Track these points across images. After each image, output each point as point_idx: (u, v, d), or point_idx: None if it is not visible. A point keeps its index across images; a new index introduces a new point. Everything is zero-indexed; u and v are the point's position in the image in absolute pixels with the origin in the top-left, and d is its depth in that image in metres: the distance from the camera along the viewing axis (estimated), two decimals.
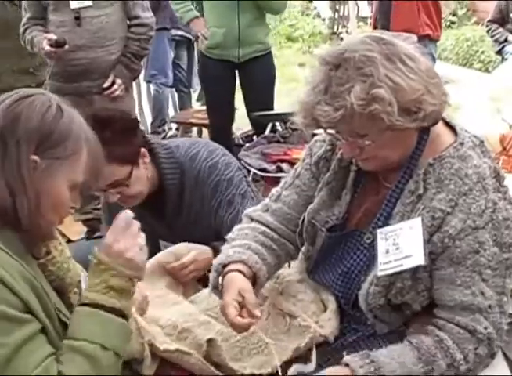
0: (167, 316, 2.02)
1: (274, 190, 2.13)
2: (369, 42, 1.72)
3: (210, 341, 1.90)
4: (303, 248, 2.10)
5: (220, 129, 4.95)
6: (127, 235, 1.55)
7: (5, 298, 1.39)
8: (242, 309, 1.78)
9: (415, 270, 1.77)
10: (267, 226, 2.05)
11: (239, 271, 1.87)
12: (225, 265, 1.90)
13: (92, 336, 1.46)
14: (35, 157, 1.47)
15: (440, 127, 1.85)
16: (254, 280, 1.91)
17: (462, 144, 1.81)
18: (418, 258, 1.74)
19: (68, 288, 1.64)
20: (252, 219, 2.10)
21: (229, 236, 2.06)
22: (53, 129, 1.49)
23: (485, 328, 1.71)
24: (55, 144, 1.49)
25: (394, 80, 1.67)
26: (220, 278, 1.89)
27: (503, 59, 6.31)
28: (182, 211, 2.57)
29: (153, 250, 2.57)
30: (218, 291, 1.89)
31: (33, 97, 1.52)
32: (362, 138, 1.75)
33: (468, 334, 1.72)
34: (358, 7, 12.10)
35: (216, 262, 1.94)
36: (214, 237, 2.47)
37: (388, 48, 1.71)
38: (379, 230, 1.83)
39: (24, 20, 4.09)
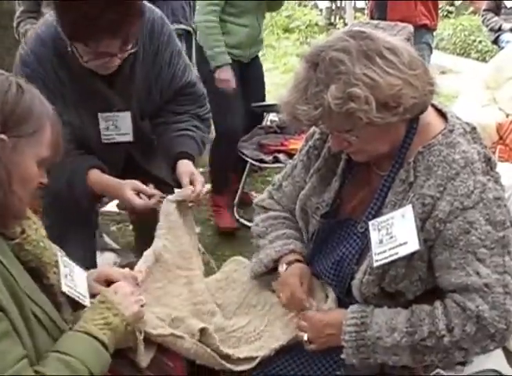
0: (161, 307, 2.03)
1: (276, 178, 2.23)
2: (347, 39, 1.73)
3: (202, 330, 1.91)
4: None
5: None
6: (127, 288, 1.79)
7: None
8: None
9: (409, 258, 1.78)
10: (281, 212, 2.18)
11: (297, 260, 2.05)
12: (276, 260, 2.06)
13: (86, 360, 1.55)
14: (2, 136, 1.48)
15: (430, 115, 1.86)
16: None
17: (451, 131, 1.82)
18: (413, 245, 1.75)
19: (47, 268, 1.65)
20: (265, 208, 2.22)
21: (257, 230, 2.18)
22: (15, 107, 1.51)
23: (477, 306, 1.70)
24: (20, 122, 1.52)
25: (371, 77, 1.68)
26: (283, 267, 2.04)
27: (500, 48, 6.30)
28: (134, 74, 2.49)
29: (93, 122, 2.55)
30: (264, 279, 2.12)
31: None
32: (347, 132, 1.78)
33: (459, 309, 1.72)
34: None
35: (266, 259, 2.08)
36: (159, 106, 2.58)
37: (366, 44, 1.72)
38: (371, 222, 1.85)
39: (18, 13, 4.08)
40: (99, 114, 2.55)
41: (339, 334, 1.83)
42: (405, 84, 1.70)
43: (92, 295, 1.80)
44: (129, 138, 2.61)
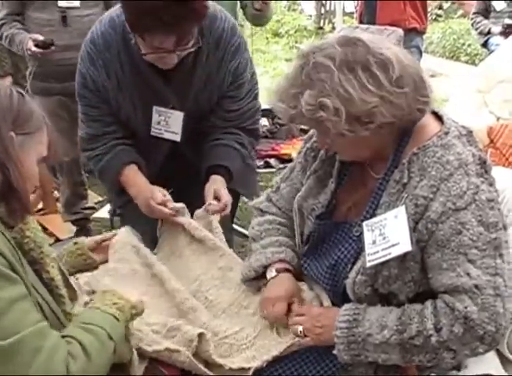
0: (155, 313, 2.03)
1: (275, 181, 2.26)
2: (335, 45, 1.72)
3: (200, 335, 1.90)
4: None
5: None
6: None
7: None
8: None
9: (402, 258, 1.78)
10: (277, 216, 2.19)
11: (286, 270, 2.07)
12: (266, 266, 2.08)
13: (104, 325, 1.63)
14: (12, 133, 1.57)
15: (427, 117, 1.86)
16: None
17: (447, 133, 1.82)
18: (405, 245, 1.75)
19: (46, 261, 1.69)
20: (262, 211, 2.24)
21: (252, 233, 2.21)
22: (21, 108, 1.62)
23: (465, 307, 1.69)
24: (25, 121, 1.62)
25: (346, 89, 1.68)
26: (272, 273, 2.06)
27: (489, 51, 6.30)
28: (193, 76, 2.53)
29: (146, 116, 2.58)
30: (253, 284, 2.13)
31: None
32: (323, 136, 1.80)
33: (448, 309, 1.72)
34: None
35: (256, 264, 2.09)
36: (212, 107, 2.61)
37: (353, 53, 1.71)
38: (365, 223, 1.85)
39: (0, 15, 4.02)
40: (155, 107, 2.57)
41: (332, 328, 1.83)
42: (383, 102, 1.70)
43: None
44: (177, 138, 2.62)
